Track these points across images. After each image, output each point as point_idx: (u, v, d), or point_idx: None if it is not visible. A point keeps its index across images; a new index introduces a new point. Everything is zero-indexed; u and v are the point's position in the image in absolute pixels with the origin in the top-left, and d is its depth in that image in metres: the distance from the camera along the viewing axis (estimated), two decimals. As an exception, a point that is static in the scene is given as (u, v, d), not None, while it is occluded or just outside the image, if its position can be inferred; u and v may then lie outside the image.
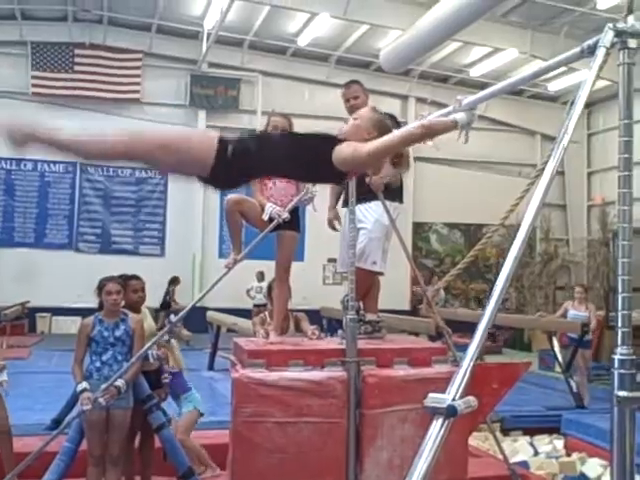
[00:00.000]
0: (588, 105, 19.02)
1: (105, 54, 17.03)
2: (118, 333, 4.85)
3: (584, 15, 14.62)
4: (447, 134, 3.21)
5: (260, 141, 3.35)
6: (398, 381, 4.25)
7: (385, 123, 3.31)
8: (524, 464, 6.87)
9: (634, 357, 2.14)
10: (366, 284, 4.91)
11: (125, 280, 5.16)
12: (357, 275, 4.55)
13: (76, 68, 16.84)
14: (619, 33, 2.16)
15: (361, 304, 4.87)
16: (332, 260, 14.64)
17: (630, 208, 2.22)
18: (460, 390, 1.63)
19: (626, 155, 2.19)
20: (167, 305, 14.75)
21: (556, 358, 9.86)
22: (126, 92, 17.18)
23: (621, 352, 2.16)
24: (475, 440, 7.28)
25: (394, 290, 10.76)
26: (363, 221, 4.89)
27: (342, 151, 3.08)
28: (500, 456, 5.55)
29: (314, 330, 4.78)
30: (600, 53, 2.14)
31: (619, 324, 2.19)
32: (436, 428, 1.60)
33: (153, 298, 9.89)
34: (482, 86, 18.69)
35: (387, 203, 4.66)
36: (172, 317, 5.21)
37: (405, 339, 6.22)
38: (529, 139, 20.04)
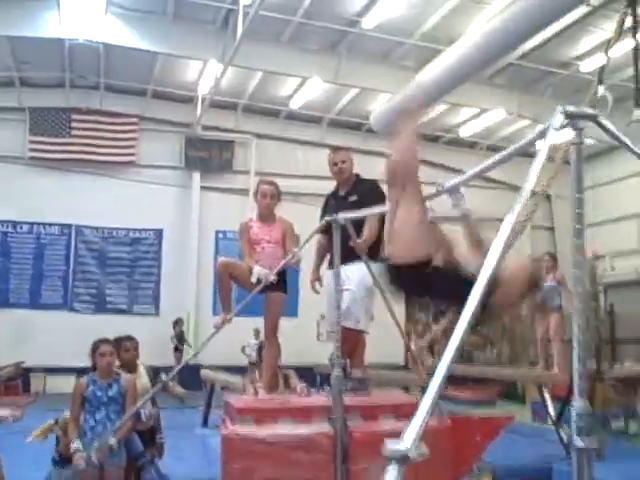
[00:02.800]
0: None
1: (101, 118, 17.41)
2: (111, 393, 4.99)
3: (568, 77, 15.06)
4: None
5: None
6: (384, 436, 4.38)
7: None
8: (517, 519, 6.91)
9: (590, 411, 2.29)
10: (351, 342, 5.08)
11: (118, 341, 5.33)
12: (343, 334, 4.72)
13: (73, 132, 17.20)
14: (569, 115, 2.39)
15: (348, 361, 5.03)
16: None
17: (582, 274, 2.40)
18: (415, 439, 1.76)
19: (578, 226, 2.39)
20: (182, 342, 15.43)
21: (547, 410, 9.94)
22: (122, 155, 17.54)
23: (577, 405, 2.31)
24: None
25: (389, 345, 10.86)
26: (347, 282, 5.09)
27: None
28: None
29: (302, 387, 4.93)
30: (550, 135, 2.36)
31: (575, 379, 2.34)
32: (391, 475, 1.69)
33: (149, 356, 9.99)
34: (471, 145, 19.20)
35: (370, 264, 4.85)
36: (163, 376, 5.36)
37: (391, 394, 6.34)
38: (510, 193, 20.36)
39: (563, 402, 9.32)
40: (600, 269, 18.61)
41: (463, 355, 19.25)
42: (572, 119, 2.39)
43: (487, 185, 19.26)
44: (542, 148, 2.35)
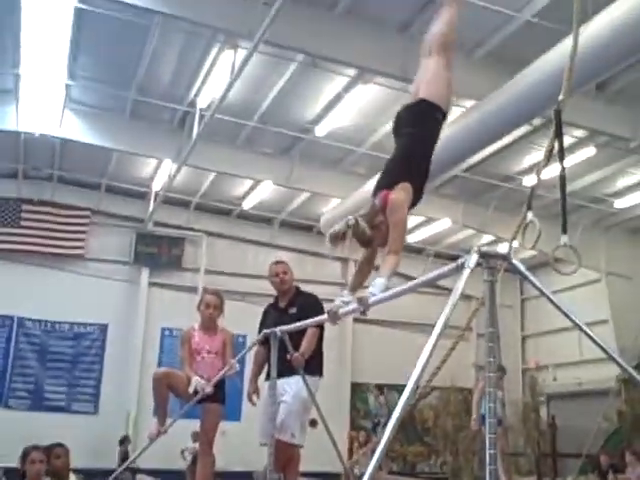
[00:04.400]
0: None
1: (53, 210, 17.38)
2: (39, 503, 4.87)
3: (511, 190, 15.64)
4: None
5: None
6: None
7: None
8: None
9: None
10: (286, 455, 5.07)
11: (49, 448, 5.23)
12: (277, 446, 4.73)
13: (22, 223, 17.10)
14: (483, 255, 2.56)
15: (282, 476, 5.01)
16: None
17: (495, 405, 2.50)
18: None
19: (491, 359, 2.51)
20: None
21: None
22: (70, 247, 17.43)
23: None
24: None
25: (331, 452, 10.81)
26: (283, 394, 5.12)
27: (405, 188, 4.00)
28: None
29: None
30: (465, 272, 2.52)
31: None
32: None
33: (84, 458, 9.70)
34: (419, 251, 19.60)
35: (307, 377, 4.91)
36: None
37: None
38: (466, 302, 20.69)
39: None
40: (542, 380, 18.85)
41: (407, 465, 19.10)
42: (485, 258, 2.55)
43: (434, 291, 19.53)
44: (457, 286, 2.49)
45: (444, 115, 4.23)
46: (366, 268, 4.08)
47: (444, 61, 4.23)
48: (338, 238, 3.74)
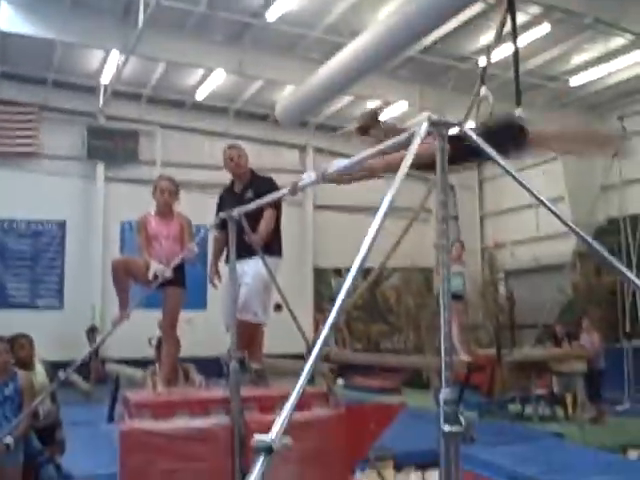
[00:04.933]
0: (478, 152, 20.10)
1: (-1, 107, 16.87)
2: (7, 392, 4.96)
3: (468, 70, 15.51)
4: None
5: None
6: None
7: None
8: (413, 499, 7.19)
9: (455, 397, 2.48)
10: (249, 334, 5.20)
11: (12, 339, 5.29)
12: (240, 326, 4.84)
13: (-31, 121, 16.61)
14: (433, 123, 2.56)
15: (246, 354, 5.14)
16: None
17: (447, 275, 2.57)
18: (279, 430, 1.89)
19: (444, 226, 2.56)
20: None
21: (437, 396, 10.28)
22: (22, 145, 17.01)
23: (445, 392, 2.49)
24: (370, 478, 7.58)
25: (296, 333, 11.09)
26: (243, 275, 5.20)
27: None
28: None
29: (201, 380, 5.01)
30: (415, 141, 2.52)
31: (443, 368, 2.52)
32: (257, 464, 1.81)
33: (51, 350, 9.82)
34: (376, 136, 19.50)
35: (266, 258, 4.97)
36: (61, 373, 5.35)
37: (287, 386, 6.48)
38: (423, 185, 20.87)
39: (461, 387, 9.70)
40: (500, 257, 19.32)
41: (370, 344, 19.68)
42: (437, 127, 2.56)
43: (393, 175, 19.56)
44: (408, 153, 2.51)
45: None
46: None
47: None
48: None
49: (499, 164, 2.72)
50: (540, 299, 15.67)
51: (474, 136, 2.73)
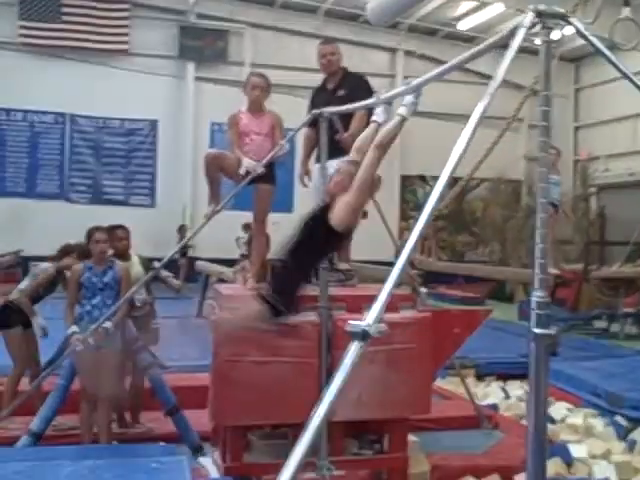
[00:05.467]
0: (576, 60, 19.18)
1: (92, 4, 17.02)
2: (106, 279, 5.16)
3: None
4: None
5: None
6: (366, 325, 4.56)
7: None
8: (493, 406, 7.25)
9: (548, 300, 2.43)
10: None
11: (111, 229, 5.47)
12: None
13: (64, 18, 16.83)
14: (539, 14, 2.40)
15: (335, 254, 5.16)
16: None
17: (548, 161, 2.46)
18: (374, 317, 1.88)
19: (544, 123, 2.43)
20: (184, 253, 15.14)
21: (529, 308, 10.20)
22: (114, 42, 17.22)
23: (537, 295, 2.44)
24: (450, 385, 7.68)
25: (382, 241, 11.09)
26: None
27: (339, 215, 3.58)
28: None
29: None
30: (519, 33, 2.38)
31: (536, 271, 2.46)
32: (352, 349, 1.80)
33: (143, 247, 10.12)
34: (470, 39, 18.83)
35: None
36: (156, 264, 5.52)
37: (375, 287, 6.52)
38: (517, 93, 20.15)
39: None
40: (593, 170, 18.69)
41: (455, 254, 19.59)
42: (542, 18, 2.40)
43: (485, 81, 18.89)
44: (511, 46, 2.37)
45: None
46: None
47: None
48: None
49: (601, 52, 2.55)
50: (633, 216, 15.12)
51: (583, 29, 2.56)
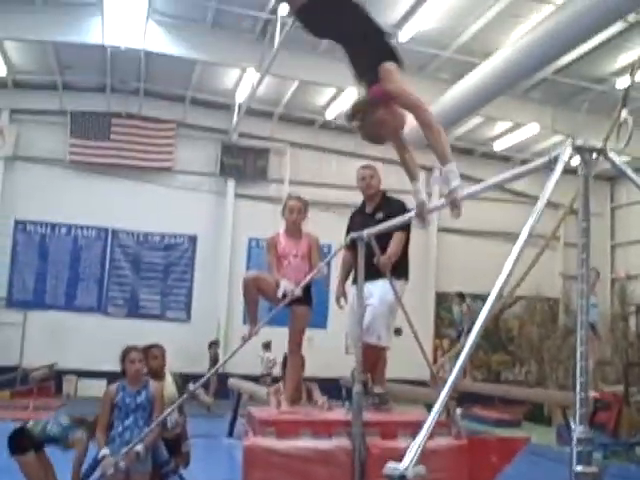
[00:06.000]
0: (612, 179, 19.31)
1: (140, 123, 17.69)
2: (140, 400, 5.14)
3: (604, 92, 14.98)
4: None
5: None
6: (401, 453, 4.45)
7: None
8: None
9: (590, 436, 2.36)
10: (373, 358, 5.16)
11: (146, 348, 5.48)
12: (364, 349, 4.81)
13: (112, 137, 17.49)
14: (577, 148, 2.47)
15: (369, 377, 5.11)
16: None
17: (587, 301, 2.45)
18: (414, 461, 1.85)
19: (584, 255, 2.44)
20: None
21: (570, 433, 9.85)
22: (159, 160, 17.80)
23: (579, 431, 2.38)
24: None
25: (415, 359, 11.00)
26: (370, 298, 5.18)
27: (389, 71, 3.58)
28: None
29: (324, 401, 5.02)
30: (559, 166, 2.44)
31: (577, 405, 2.40)
32: None
33: (178, 362, 10.09)
34: (505, 159, 19.13)
35: (393, 281, 4.94)
36: (190, 385, 5.48)
37: (411, 412, 6.40)
38: (553, 212, 20.24)
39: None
40: (631, 290, 18.42)
41: (490, 374, 19.17)
42: (580, 151, 2.46)
43: (521, 200, 19.07)
44: (550, 182, 2.43)
45: None
46: (409, 159, 3.97)
47: None
48: (353, 113, 3.67)
49: (636, 184, 2.59)
50: (673, 337, 14.81)
51: (618, 160, 2.61)
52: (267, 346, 14.84)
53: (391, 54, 3.69)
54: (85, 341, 16.41)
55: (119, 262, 17.76)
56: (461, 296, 16.78)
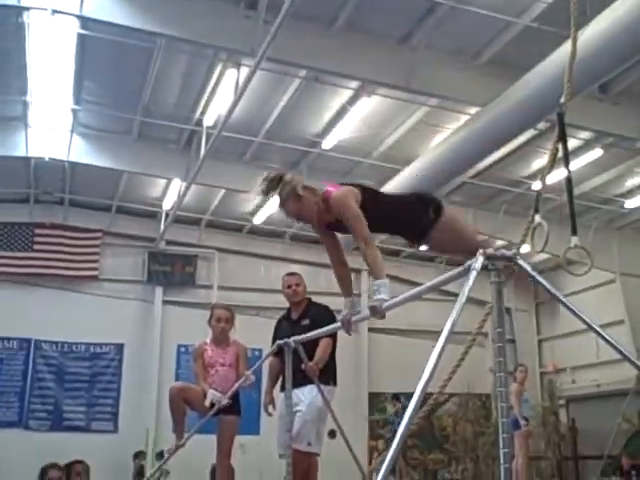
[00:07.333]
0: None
1: (65, 233, 17.51)
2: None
3: (521, 194, 15.67)
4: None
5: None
6: None
7: None
8: None
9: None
10: (303, 464, 5.12)
11: (69, 466, 5.32)
12: (294, 456, 4.78)
13: (35, 247, 17.24)
14: (489, 257, 2.62)
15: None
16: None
17: (507, 405, 2.54)
18: None
19: (500, 359, 2.55)
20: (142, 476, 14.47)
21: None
22: (84, 269, 17.56)
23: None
24: None
25: (351, 465, 10.88)
26: (298, 404, 5.18)
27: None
28: None
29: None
30: (472, 275, 2.58)
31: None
32: None
33: (105, 475, 9.76)
34: (431, 259, 19.59)
35: (322, 386, 4.96)
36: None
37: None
38: (480, 308, 20.62)
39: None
40: (560, 383, 18.77)
41: (427, 474, 19.02)
42: (491, 260, 2.61)
43: (448, 298, 19.37)
44: (464, 289, 2.55)
45: None
46: (341, 269, 4.24)
47: None
48: (270, 184, 3.91)
49: (550, 292, 2.74)
50: (604, 428, 15.02)
51: (529, 268, 2.77)
52: (160, 455, 14.25)
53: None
54: (6, 457, 15.56)
55: (42, 373, 17.16)
56: (396, 397, 16.79)
